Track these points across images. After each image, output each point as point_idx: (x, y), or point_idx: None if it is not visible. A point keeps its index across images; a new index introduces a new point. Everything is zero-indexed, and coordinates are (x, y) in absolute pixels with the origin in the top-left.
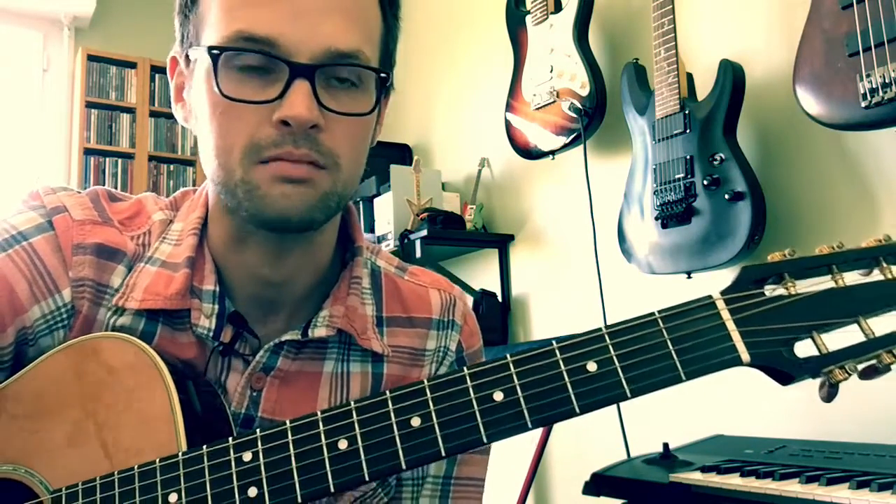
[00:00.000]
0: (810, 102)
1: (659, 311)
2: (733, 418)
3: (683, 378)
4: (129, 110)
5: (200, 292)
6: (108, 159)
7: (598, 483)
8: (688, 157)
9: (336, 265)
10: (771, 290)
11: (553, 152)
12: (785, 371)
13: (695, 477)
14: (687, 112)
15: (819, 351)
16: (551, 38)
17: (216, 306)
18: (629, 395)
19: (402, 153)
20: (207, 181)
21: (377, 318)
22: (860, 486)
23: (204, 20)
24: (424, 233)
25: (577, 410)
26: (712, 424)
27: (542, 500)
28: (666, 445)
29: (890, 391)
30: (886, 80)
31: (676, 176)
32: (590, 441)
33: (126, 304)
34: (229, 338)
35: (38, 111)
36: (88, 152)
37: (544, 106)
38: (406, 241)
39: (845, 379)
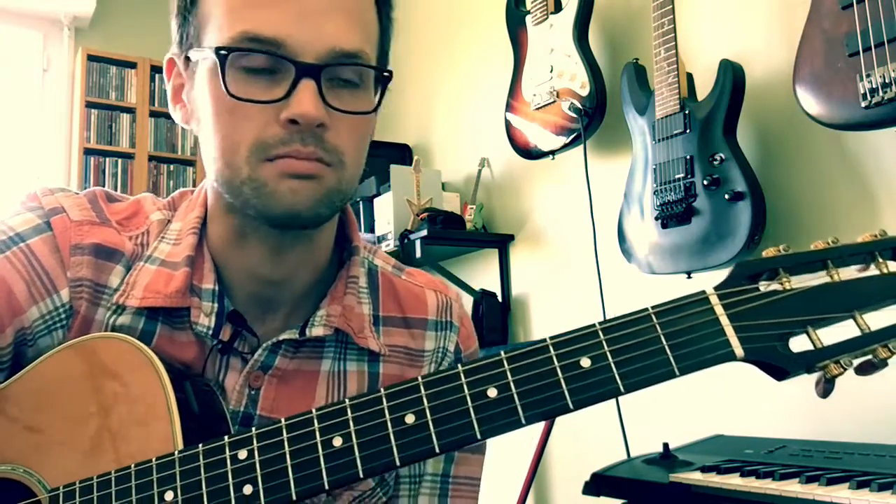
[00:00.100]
0: (810, 102)
1: (652, 307)
2: (733, 418)
3: (677, 373)
4: (129, 110)
5: (200, 291)
6: (108, 159)
7: (598, 483)
8: (688, 157)
9: (333, 265)
10: (765, 286)
11: (553, 152)
12: (779, 366)
13: (695, 477)
14: (687, 112)
15: (814, 346)
16: (551, 38)
17: (215, 305)
18: (623, 390)
19: (402, 153)
20: (205, 181)
21: (374, 318)
22: (860, 486)
23: (206, 21)
24: (424, 233)
25: (571, 406)
26: (712, 424)
27: (542, 500)
28: (666, 445)
29: (890, 391)
30: (886, 80)
31: (676, 176)
32: (590, 441)
33: (127, 302)
34: (228, 336)
35: (38, 111)
36: (88, 152)
37: (544, 106)
38: (406, 241)
39: (840, 374)
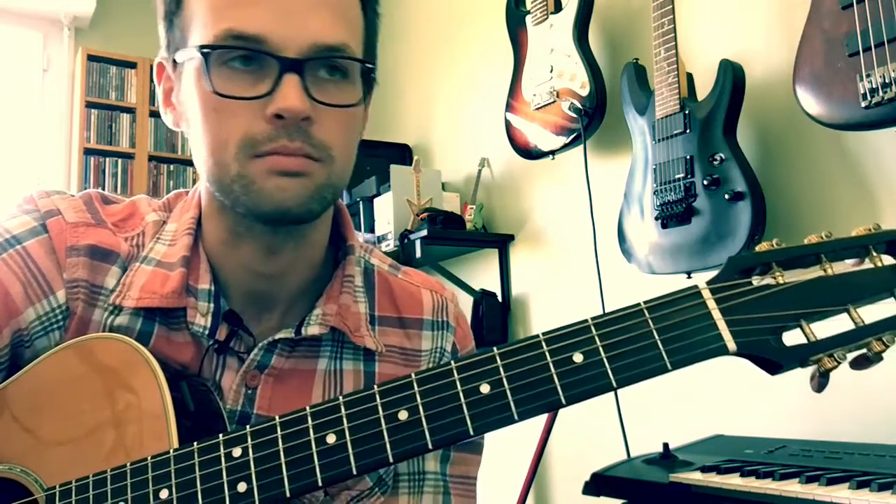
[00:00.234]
0: (810, 102)
1: (644, 302)
2: (733, 418)
3: (669, 367)
4: (129, 110)
5: (196, 291)
6: (108, 159)
7: (598, 483)
8: (688, 157)
9: (329, 264)
10: (758, 280)
11: (553, 152)
12: (772, 359)
13: (695, 477)
14: (687, 112)
15: (807, 339)
16: (551, 38)
17: (211, 305)
18: (615, 384)
19: (402, 153)
20: (200, 182)
21: (370, 317)
22: (860, 486)
23: (190, 23)
24: (424, 233)
25: (564, 401)
26: (712, 424)
27: (542, 500)
28: (666, 445)
29: (890, 391)
30: (886, 80)
31: (676, 176)
32: (590, 441)
33: (123, 303)
34: (224, 336)
35: (38, 111)
36: (88, 152)
37: (544, 106)
38: (406, 241)
39: (835, 367)
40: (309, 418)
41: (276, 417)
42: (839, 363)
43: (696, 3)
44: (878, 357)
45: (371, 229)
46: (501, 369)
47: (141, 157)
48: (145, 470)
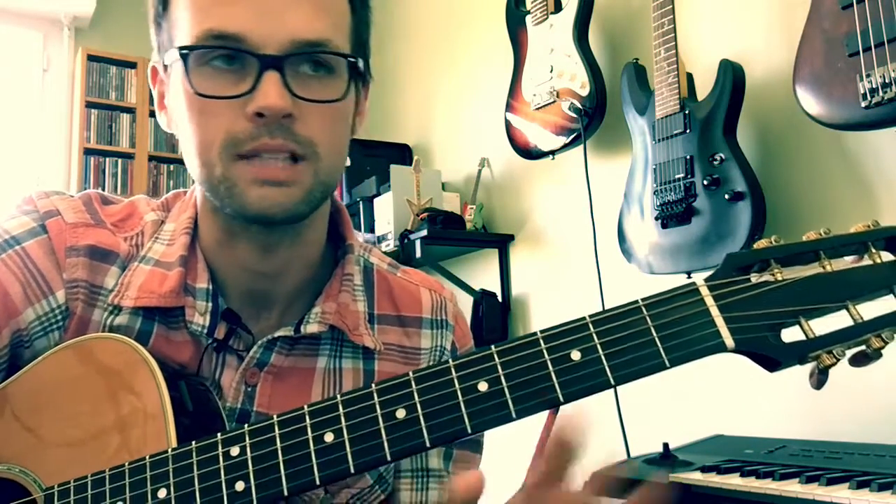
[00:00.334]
0: (810, 102)
1: (642, 299)
2: (733, 418)
3: (668, 364)
4: (129, 110)
5: (194, 290)
6: (108, 159)
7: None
8: (688, 157)
9: (328, 263)
10: (757, 277)
11: (553, 152)
12: (771, 356)
13: (695, 477)
14: (687, 112)
15: (806, 336)
16: (551, 38)
17: (210, 304)
18: (613, 382)
19: (402, 153)
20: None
21: (369, 315)
22: (860, 486)
23: (175, 24)
24: (424, 233)
25: (562, 399)
26: (712, 424)
27: None
28: (666, 445)
29: (890, 391)
30: (886, 80)
31: (676, 176)
32: (590, 441)
33: (122, 303)
34: (223, 334)
35: (38, 111)
36: (88, 152)
37: (544, 106)
38: (406, 241)
39: (833, 364)
40: (307, 417)
41: (274, 416)
42: (838, 360)
43: (696, 3)
44: (877, 354)
45: (371, 229)
46: (499, 367)
47: (141, 157)
48: (143, 469)
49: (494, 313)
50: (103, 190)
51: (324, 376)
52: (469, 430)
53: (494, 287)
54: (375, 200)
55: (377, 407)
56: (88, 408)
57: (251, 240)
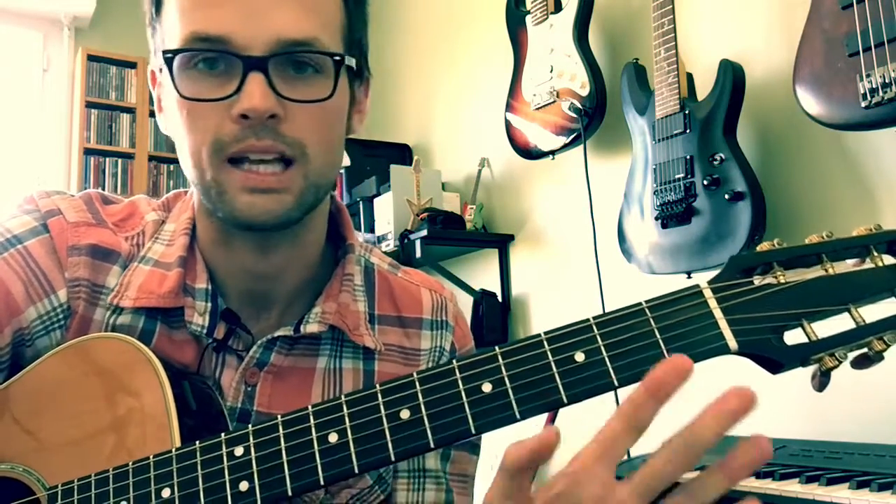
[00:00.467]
0: (810, 102)
1: (646, 301)
2: None
3: None
4: (129, 110)
5: (194, 290)
6: (108, 159)
7: None
8: (688, 157)
9: (328, 263)
10: (760, 280)
11: (553, 152)
12: (773, 358)
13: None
14: (687, 112)
15: (808, 338)
16: (551, 38)
17: (209, 304)
18: (617, 383)
19: (402, 153)
20: None
21: (369, 315)
22: (860, 486)
23: (165, 28)
24: (424, 233)
25: (565, 400)
26: None
27: None
28: None
29: (890, 391)
30: (886, 80)
31: (676, 176)
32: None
33: (121, 303)
34: (223, 334)
35: (38, 111)
36: (88, 152)
37: (544, 106)
38: (406, 241)
39: (836, 366)
40: (311, 417)
41: (278, 416)
42: (840, 362)
43: (696, 3)
44: (878, 356)
45: (371, 229)
46: (503, 368)
47: (141, 157)
48: (147, 469)
49: (494, 313)
50: (103, 190)
51: (324, 376)
52: (473, 431)
53: (494, 287)
54: (375, 200)
55: (381, 407)
56: (92, 407)
57: (247, 242)
